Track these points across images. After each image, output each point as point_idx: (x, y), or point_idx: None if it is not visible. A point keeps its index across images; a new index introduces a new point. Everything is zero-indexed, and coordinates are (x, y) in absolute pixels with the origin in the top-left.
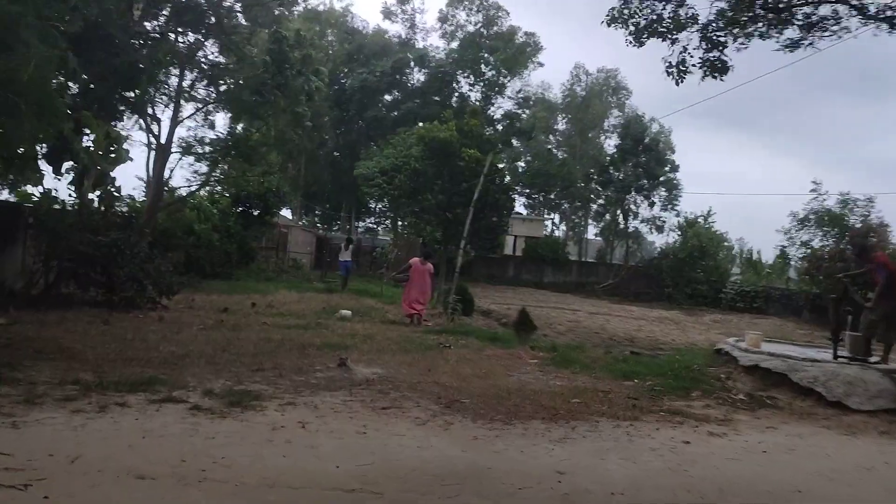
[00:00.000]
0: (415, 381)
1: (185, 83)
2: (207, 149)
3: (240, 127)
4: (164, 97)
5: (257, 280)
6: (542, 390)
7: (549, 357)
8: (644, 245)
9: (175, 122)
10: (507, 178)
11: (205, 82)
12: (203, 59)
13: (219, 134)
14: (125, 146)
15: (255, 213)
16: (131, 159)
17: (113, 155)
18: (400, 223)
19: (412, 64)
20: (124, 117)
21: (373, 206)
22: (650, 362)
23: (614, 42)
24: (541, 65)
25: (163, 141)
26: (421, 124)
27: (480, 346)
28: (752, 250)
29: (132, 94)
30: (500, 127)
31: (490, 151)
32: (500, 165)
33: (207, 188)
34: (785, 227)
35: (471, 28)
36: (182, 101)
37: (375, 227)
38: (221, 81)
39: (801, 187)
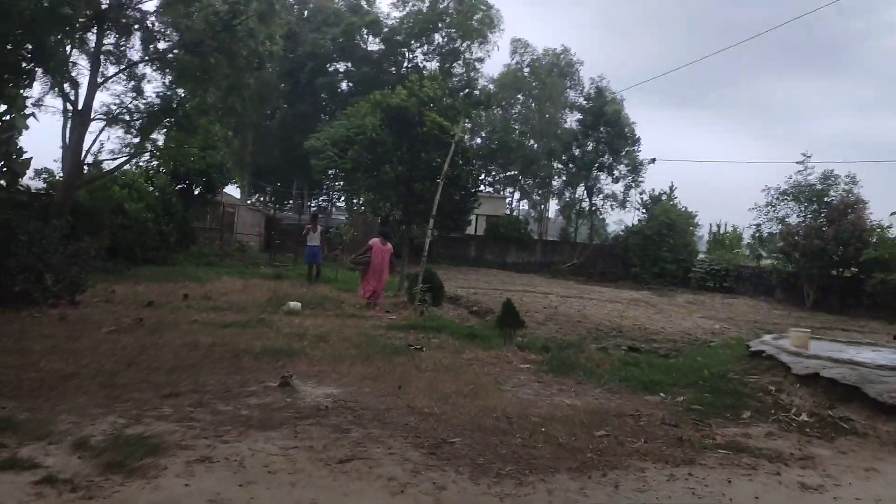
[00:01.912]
0: (382, 408)
1: (110, 40)
2: (137, 117)
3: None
4: (85, 57)
5: (197, 265)
6: (552, 415)
7: (543, 360)
8: (604, 224)
9: (95, 85)
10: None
11: (130, 40)
12: (131, 12)
13: (151, 102)
14: (28, 111)
15: (197, 190)
16: (27, 127)
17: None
18: (356, 200)
19: (364, 31)
20: (33, 79)
21: (326, 182)
22: (665, 365)
23: (571, 21)
24: (500, 32)
25: (81, 107)
26: (377, 92)
27: (458, 347)
28: (721, 226)
29: (35, 51)
30: (457, 98)
31: (456, 117)
32: (464, 136)
33: (141, 163)
34: (759, 204)
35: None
36: (104, 61)
37: (329, 205)
38: (156, 39)
39: (753, 162)
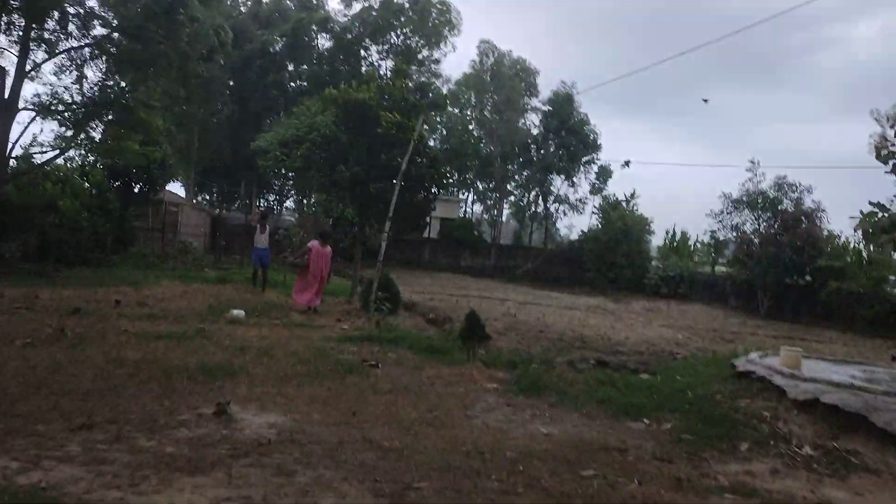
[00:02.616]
0: (335, 442)
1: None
2: (72, 108)
3: (117, 84)
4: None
5: (136, 268)
6: (530, 449)
7: (511, 378)
8: (556, 230)
9: (23, 73)
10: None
11: (66, 24)
12: None
13: (89, 92)
14: None
15: (137, 188)
16: None
17: None
18: (306, 201)
19: (314, 28)
20: None
21: (276, 182)
22: (643, 385)
23: (525, 25)
24: (457, 33)
25: (7, 95)
26: (333, 88)
27: (417, 363)
28: (676, 233)
29: None
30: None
31: (419, 114)
32: (425, 135)
33: (77, 158)
34: (714, 211)
35: None
36: (34, 48)
37: (278, 205)
38: (93, 24)
39: (712, 166)
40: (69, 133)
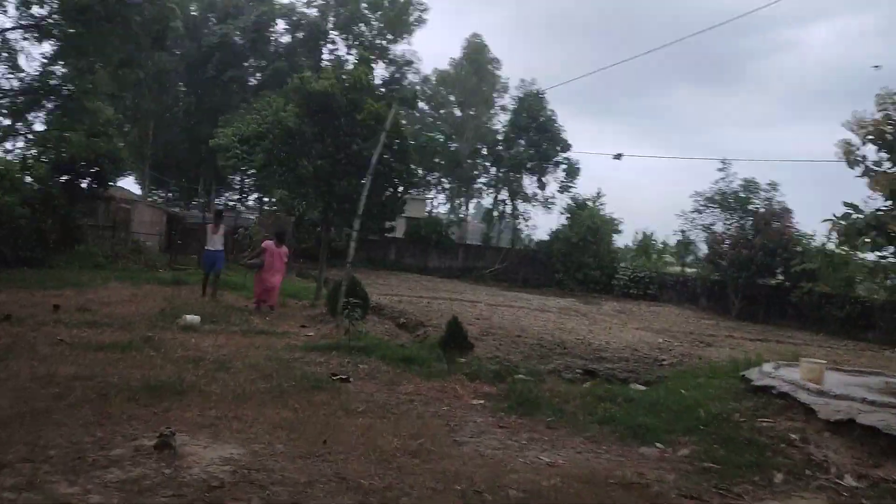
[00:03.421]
0: (303, 482)
1: None
2: (12, 95)
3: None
4: None
5: (82, 268)
6: (535, 485)
7: (498, 393)
8: (521, 230)
9: None
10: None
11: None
12: None
13: (27, 78)
14: None
15: (85, 183)
16: None
17: None
18: (267, 199)
19: (277, 21)
20: None
21: (236, 179)
22: (647, 401)
23: (486, 24)
24: (422, 22)
25: None
26: (296, 76)
27: (393, 376)
28: (645, 234)
29: None
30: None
31: (391, 105)
32: (398, 122)
33: (17, 150)
34: (686, 210)
35: None
36: None
37: (237, 203)
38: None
39: (667, 171)
40: (6, 123)
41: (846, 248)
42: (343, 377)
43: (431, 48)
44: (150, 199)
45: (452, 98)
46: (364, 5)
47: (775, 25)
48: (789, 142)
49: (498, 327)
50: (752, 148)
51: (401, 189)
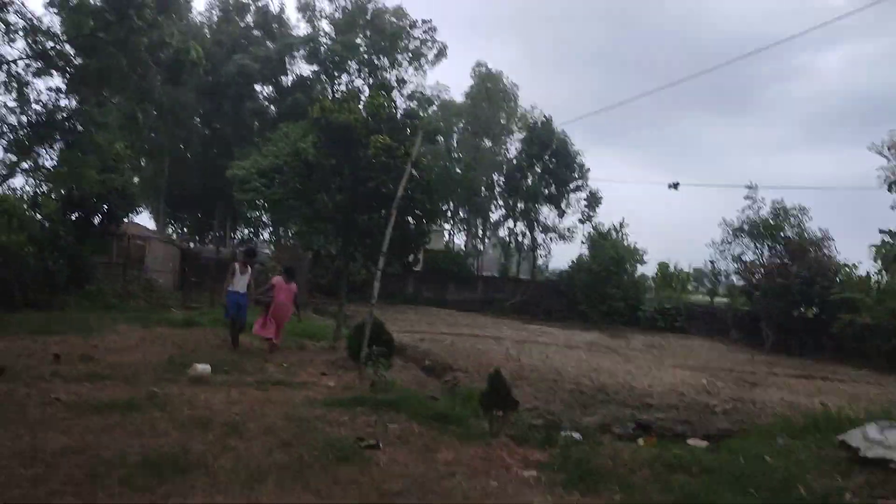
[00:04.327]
0: None
1: None
2: (18, 130)
3: (64, 101)
4: None
5: (91, 309)
6: None
7: (551, 461)
8: (543, 262)
9: None
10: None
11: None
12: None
13: (36, 111)
14: None
15: (97, 220)
16: None
17: None
18: (284, 233)
19: (298, 50)
20: None
21: (251, 213)
22: (727, 471)
23: (500, 52)
24: (444, 56)
25: None
26: (318, 104)
27: (428, 440)
28: (670, 265)
29: None
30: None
31: (418, 132)
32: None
33: (27, 187)
34: (714, 241)
35: (358, 15)
36: None
37: (254, 238)
38: (39, 34)
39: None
40: (13, 159)
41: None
42: (371, 443)
43: (443, 79)
44: (165, 235)
45: (465, 127)
46: (386, 39)
47: (788, 52)
48: (805, 169)
49: (530, 369)
50: (769, 175)
51: (425, 222)
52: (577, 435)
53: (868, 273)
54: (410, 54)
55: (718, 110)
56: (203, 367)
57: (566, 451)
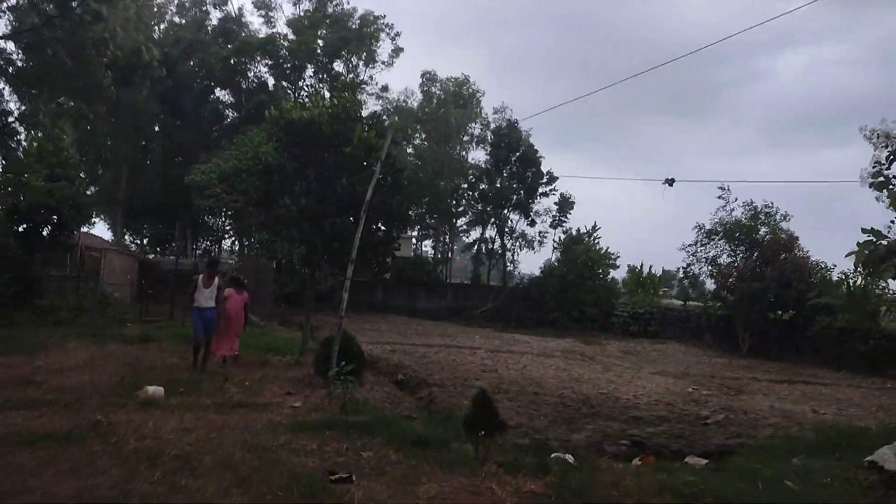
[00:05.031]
0: None
1: None
2: None
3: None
4: None
5: (41, 325)
6: None
7: (549, 492)
8: (512, 268)
9: None
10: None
11: None
12: None
13: None
14: None
15: (47, 231)
16: None
17: None
18: (247, 242)
19: (257, 55)
20: None
21: (213, 221)
22: (737, 495)
23: (461, 56)
24: (400, 50)
25: None
26: (273, 108)
27: (408, 469)
28: (642, 268)
29: None
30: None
31: (389, 129)
32: (392, 153)
33: None
34: (686, 243)
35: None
36: None
37: (215, 248)
38: None
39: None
40: None
41: (868, 278)
42: (343, 476)
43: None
44: (123, 246)
45: (428, 132)
46: (341, 39)
47: (748, 55)
48: (767, 170)
49: (509, 382)
50: (732, 176)
51: (396, 226)
52: (569, 457)
53: (845, 275)
54: (365, 54)
55: (683, 115)
56: (155, 389)
57: (563, 480)
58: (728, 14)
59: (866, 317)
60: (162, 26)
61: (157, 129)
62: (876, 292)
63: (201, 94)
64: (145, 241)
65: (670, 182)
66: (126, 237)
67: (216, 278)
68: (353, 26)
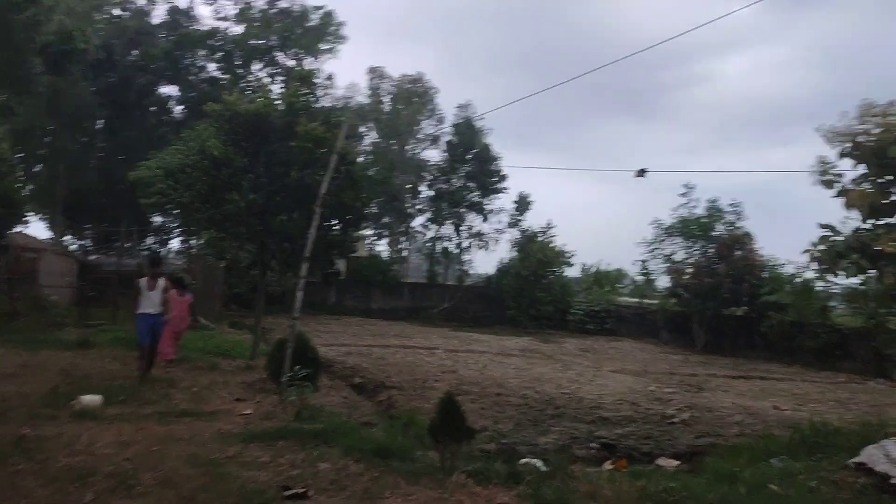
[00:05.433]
0: None
1: None
2: None
3: None
4: None
5: None
6: None
7: (521, 502)
8: (469, 267)
9: None
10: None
11: None
12: None
13: None
14: None
15: None
16: None
17: None
18: (195, 241)
19: (199, 48)
20: None
21: (160, 220)
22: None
23: (412, 53)
24: (343, 37)
25: None
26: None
27: (369, 482)
28: (598, 266)
29: None
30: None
31: (343, 121)
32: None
33: None
34: (645, 239)
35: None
36: None
37: (161, 248)
38: None
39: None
40: None
41: (825, 274)
42: (299, 491)
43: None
44: (62, 247)
45: (381, 129)
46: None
47: (692, 57)
48: (714, 170)
49: (470, 383)
50: (691, 175)
51: (351, 223)
52: (539, 463)
53: (795, 270)
54: (311, 45)
55: (633, 115)
56: (91, 399)
57: (537, 490)
58: (681, 17)
59: (815, 312)
60: (103, 16)
61: (99, 125)
62: (822, 287)
63: (146, 88)
64: (88, 242)
65: (642, 172)
66: (67, 237)
67: (161, 279)
68: (298, 17)
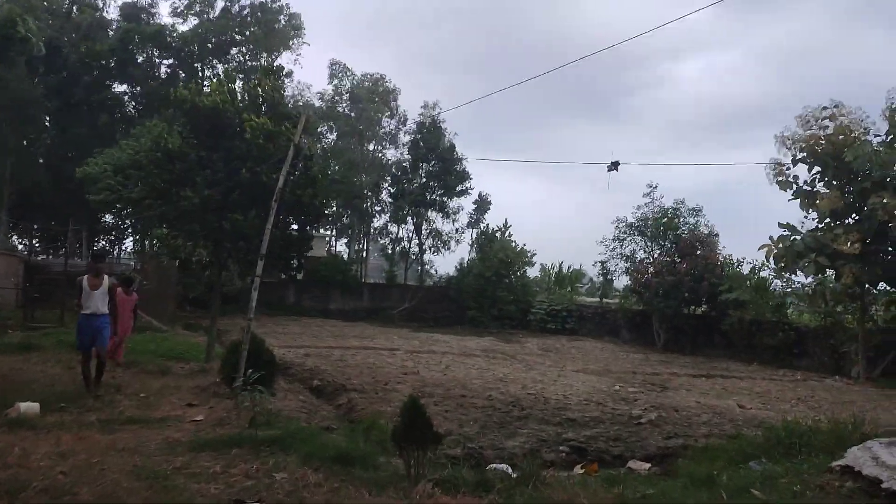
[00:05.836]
0: None
1: None
2: None
3: None
4: None
5: None
6: None
7: None
8: (430, 267)
9: None
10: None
11: None
12: None
13: None
14: None
15: None
16: None
17: None
18: (148, 241)
19: (149, 45)
20: None
21: (112, 219)
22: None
23: (378, 53)
24: (306, 44)
25: None
26: (177, 89)
27: (329, 493)
28: (559, 266)
29: None
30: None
31: (302, 115)
32: (310, 143)
33: None
34: (607, 238)
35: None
36: None
37: (113, 247)
38: None
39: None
40: None
41: (784, 272)
42: None
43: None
44: (6, 247)
45: (342, 128)
46: (238, 26)
47: (652, 61)
48: (675, 173)
49: (433, 384)
50: (654, 177)
51: (309, 222)
52: (507, 468)
53: (754, 268)
54: (267, 40)
55: (594, 118)
56: (28, 406)
57: (508, 498)
58: (639, 20)
59: (773, 310)
60: (52, 7)
61: (47, 121)
62: (780, 285)
63: (94, 84)
64: (35, 242)
65: (614, 165)
66: (12, 237)
67: (105, 277)
68: (253, 14)
